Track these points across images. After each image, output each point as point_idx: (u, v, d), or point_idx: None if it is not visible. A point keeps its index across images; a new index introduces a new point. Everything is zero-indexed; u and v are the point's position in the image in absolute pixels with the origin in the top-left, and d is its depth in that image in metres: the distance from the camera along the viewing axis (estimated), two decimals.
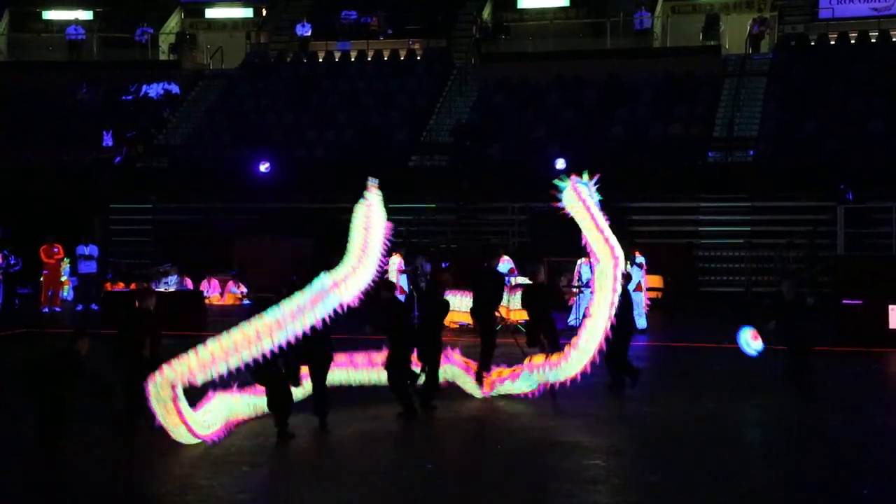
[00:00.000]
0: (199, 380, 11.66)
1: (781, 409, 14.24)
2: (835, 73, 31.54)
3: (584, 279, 21.69)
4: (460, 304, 18.43)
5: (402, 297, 20.51)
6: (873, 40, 33.52)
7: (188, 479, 10.93)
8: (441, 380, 14.13)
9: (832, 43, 33.77)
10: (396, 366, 13.28)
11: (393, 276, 22.03)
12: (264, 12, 42.24)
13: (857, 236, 26.56)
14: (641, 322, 21.13)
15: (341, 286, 12.21)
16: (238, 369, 11.74)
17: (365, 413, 13.32)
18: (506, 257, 21.18)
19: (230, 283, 28.08)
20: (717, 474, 11.07)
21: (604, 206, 13.94)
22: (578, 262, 21.25)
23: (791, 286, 13.70)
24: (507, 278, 18.94)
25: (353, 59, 37.15)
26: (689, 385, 16.25)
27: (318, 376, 12.79)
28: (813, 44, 33.82)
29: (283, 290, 12.76)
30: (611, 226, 13.96)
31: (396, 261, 22.73)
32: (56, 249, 26.81)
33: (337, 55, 37.56)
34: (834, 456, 11.82)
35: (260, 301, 13.86)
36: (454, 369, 14.52)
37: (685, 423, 13.32)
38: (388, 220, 12.86)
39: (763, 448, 12.01)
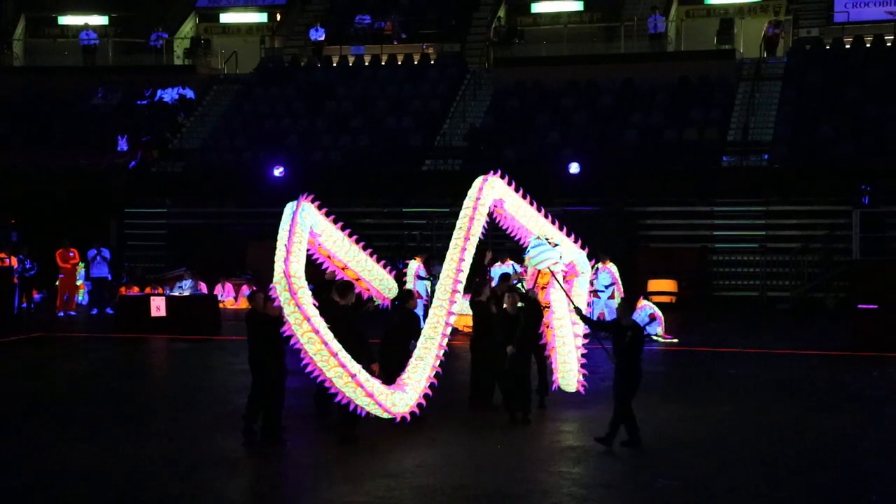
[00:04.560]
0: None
1: (795, 414, 14.20)
2: (850, 76, 31.43)
3: (603, 284, 21.73)
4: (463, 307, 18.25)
5: (420, 302, 20.53)
6: (889, 44, 33.39)
7: (202, 480, 10.96)
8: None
9: (847, 46, 33.65)
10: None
11: (410, 281, 21.82)
12: (278, 17, 42.33)
13: (872, 241, 26.46)
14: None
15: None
16: None
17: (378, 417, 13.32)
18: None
19: (244, 288, 28.12)
20: (729, 479, 11.03)
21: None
22: (597, 266, 21.16)
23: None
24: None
25: (367, 64, 37.18)
26: (703, 389, 16.23)
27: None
28: (828, 47, 33.70)
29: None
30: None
31: (415, 265, 22.35)
32: (72, 254, 26.91)
33: (351, 60, 37.62)
34: (847, 461, 11.77)
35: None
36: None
37: (698, 427, 13.29)
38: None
39: (776, 453, 11.97)
